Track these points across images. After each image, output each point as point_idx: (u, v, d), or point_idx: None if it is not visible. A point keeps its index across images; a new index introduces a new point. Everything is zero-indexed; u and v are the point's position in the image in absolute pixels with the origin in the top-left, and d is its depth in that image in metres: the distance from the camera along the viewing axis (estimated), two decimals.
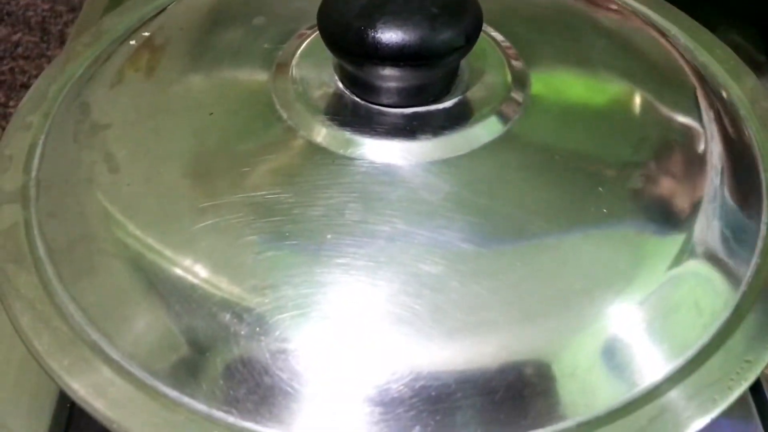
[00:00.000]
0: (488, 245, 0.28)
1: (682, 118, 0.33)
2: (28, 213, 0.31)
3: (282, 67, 0.32)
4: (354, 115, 0.30)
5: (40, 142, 0.33)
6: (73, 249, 0.30)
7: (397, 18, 0.28)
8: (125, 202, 0.30)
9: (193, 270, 0.28)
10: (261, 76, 0.32)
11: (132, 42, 0.36)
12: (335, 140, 0.30)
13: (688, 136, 0.32)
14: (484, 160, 0.30)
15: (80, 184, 0.31)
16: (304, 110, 0.30)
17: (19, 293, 0.29)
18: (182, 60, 0.34)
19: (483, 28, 0.30)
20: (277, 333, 0.26)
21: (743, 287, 0.30)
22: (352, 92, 0.31)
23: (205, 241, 0.28)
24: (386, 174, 0.29)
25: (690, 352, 0.28)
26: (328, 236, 0.28)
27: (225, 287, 0.27)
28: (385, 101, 0.30)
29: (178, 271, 0.28)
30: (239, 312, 0.27)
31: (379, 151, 0.29)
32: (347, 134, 0.30)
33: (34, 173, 0.32)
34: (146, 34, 0.36)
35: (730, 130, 0.34)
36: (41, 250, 0.30)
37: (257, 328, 0.26)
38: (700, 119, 0.33)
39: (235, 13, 0.36)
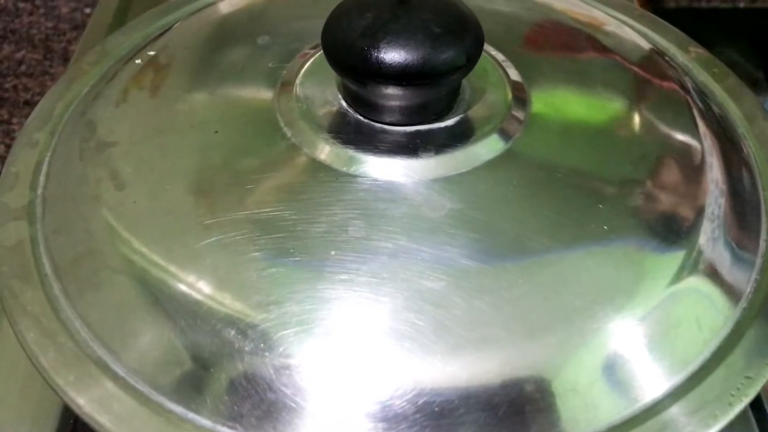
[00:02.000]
0: (490, 262, 0.28)
1: (681, 137, 0.33)
2: (34, 230, 0.31)
3: (286, 85, 0.32)
4: (357, 132, 0.31)
5: (46, 159, 0.34)
6: (78, 265, 0.30)
7: (400, 38, 0.28)
8: (131, 218, 0.30)
9: (198, 286, 0.28)
10: (265, 95, 0.32)
11: (137, 61, 0.36)
12: (338, 158, 0.30)
13: (687, 154, 0.33)
14: (486, 178, 0.30)
15: (86, 201, 0.31)
16: (307, 128, 0.31)
17: (25, 309, 0.29)
18: (187, 78, 0.34)
19: (484, 47, 0.30)
20: (281, 349, 0.26)
21: (743, 303, 0.30)
22: (356, 110, 0.31)
23: (209, 257, 0.28)
24: (389, 191, 0.29)
25: (691, 368, 0.28)
26: (332, 252, 0.28)
27: (229, 303, 0.27)
28: (388, 119, 0.31)
29: (183, 288, 0.28)
30: (243, 328, 0.27)
31: (381, 168, 0.30)
32: (350, 152, 0.30)
33: (40, 190, 0.33)
34: (151, 53, 0.36)
35: (728, 148, 0.34)
36: (47, 267, 0.30)
37: (261, 344, 0.27)
38: (698, 137, 0.33)
39: (240, 32, 0.36)
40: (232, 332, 0.27)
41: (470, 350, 0.27)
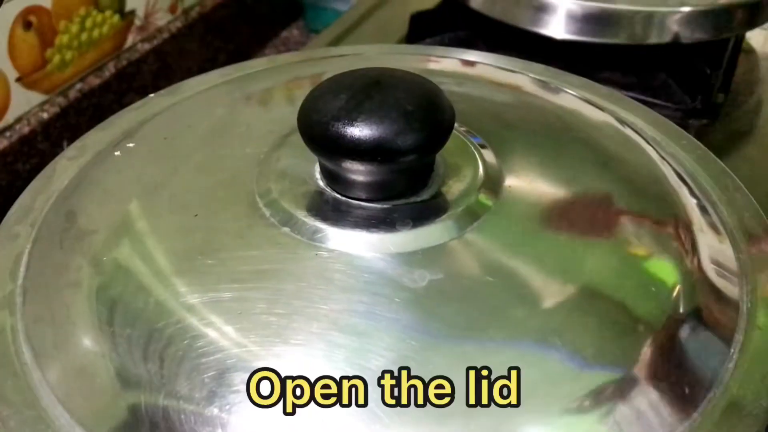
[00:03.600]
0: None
1: (657, 227, 0.33)
2: (15, 319, 0.31)
3: (265, 167, 0.33)
4: (335, 210, 0.31)
5: (27, 250, 0.34)
6: (59, 353, 0.30)
7: (374, 116, 0.29)
8: (112, 304, 0.30)
9: (179, 371, 0.28)
10: (245, 177, 0.33)
11: (117, 153, 0.36)
12: (317, 235, 0.30)
13: (659, 238, 0.33)
14: (459, 252, 0.30)
15: (67, 288, 0.31)
16: (286, 208, 0.31)
17: (6, 398, 0.29)
18: (167, 166, 0.35)
19: (457, 126, 0.31)
20: None
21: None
22: (333, 188, 0.32)
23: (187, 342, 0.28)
24: (366, 265, 0.29)
25: None
26: (314, 328, 0.28)
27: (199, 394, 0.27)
28: (365, 195, 0.31)
29: (164, 373, 0.28)
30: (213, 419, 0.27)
31: (359, 243, 0.30)
32: (328, 229, 0.30)
33: (20, 281, 0.32)
34: (130, 144, 0.37)
35: (700, 221, 0.34)
36: (27, 356, 0.30)
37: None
38: (675, 222, 0.33)
39: (218, 120, 0.37)
40: (209, 424, 0.27)
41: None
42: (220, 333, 0.28)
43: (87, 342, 0.29)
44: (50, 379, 0.29)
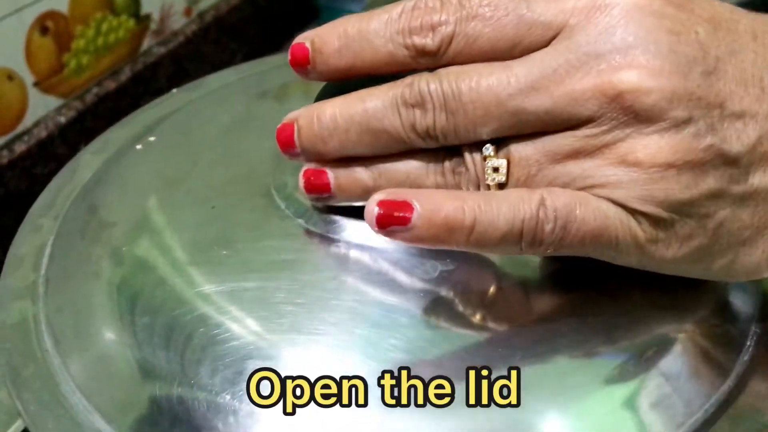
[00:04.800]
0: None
1: None
2: (37, 308, 0.32)
3: (281, 161, 0.33)
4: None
5: (50, 242, 0.35)
6: (80, 341, 0.30)
7: None
8: (131, 293, 0.31)
9: (196, 358, 0.28)
10: (261, 171, 0.34)
11: (138, 146, 0.37)
12: (332, 226, 0.31)
13: None
14: None
15: (87, 278, 0.32)
16: (302, 200, 0.32)
17: (27, 383, 0.29)
18: (186, 160, 0.36)
19: None
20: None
21: None
22: None
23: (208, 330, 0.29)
24: (382, 255, 0.30)
25: None
26: (331, 318, 0.28)
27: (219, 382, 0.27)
28: None
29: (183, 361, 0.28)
30: (233, 407, 0.27)
31: (371, 234, 0.30)
32: (343, 221, 0.31)
33: (43, 271, 0.33)
34: (152, 138, 0.38)
35: None
36: (48, 343, 0.31)
37: (248, 420, 0.26)
38: None
39: (236, 117, 0.38)
40: (223, 411, 0.27)
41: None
42: (237, 322, 0.29)
43: (106, 330, 0.30)
44: (70, 366, 0.30)
